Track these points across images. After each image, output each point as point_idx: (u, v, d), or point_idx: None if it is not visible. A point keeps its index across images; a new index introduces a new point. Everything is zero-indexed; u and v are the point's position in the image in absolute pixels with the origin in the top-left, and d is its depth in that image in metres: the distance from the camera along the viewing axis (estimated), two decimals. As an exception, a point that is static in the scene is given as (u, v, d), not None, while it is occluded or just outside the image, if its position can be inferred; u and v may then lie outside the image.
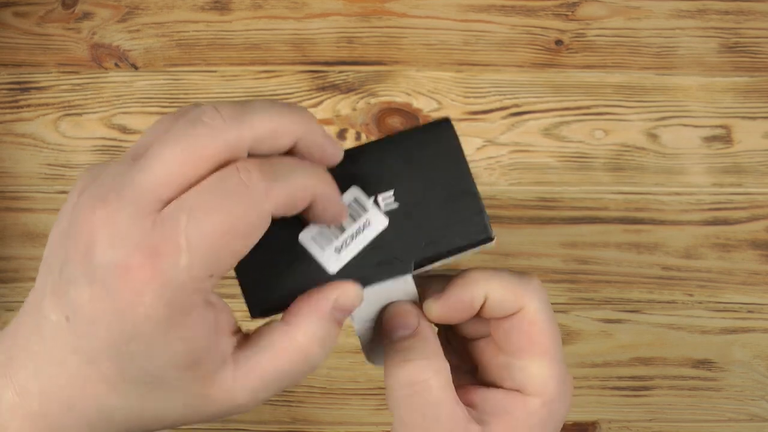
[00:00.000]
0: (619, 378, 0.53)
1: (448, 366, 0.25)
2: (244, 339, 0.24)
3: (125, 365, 0.21)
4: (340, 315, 0.24)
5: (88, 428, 0.22)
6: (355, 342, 0.56)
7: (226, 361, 0.22)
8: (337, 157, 0.24)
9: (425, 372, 0.24)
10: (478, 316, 0.25)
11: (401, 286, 0.26)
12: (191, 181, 0.20)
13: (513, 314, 0.25)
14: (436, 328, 0.26)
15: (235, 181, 0.20)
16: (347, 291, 0.24)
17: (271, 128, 0.21)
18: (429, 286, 0.26)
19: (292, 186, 0.21)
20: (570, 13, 0.56)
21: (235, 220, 0.20)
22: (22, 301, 0.23)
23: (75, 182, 0.22)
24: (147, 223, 0.20)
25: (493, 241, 0.26)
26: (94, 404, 0.22)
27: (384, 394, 0.53)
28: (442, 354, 0.25)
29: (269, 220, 0.21)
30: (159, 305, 0.20)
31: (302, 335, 0.23)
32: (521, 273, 0.26)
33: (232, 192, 0.20)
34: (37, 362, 0.22)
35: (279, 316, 0.25)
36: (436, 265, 0.26)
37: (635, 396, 0.53)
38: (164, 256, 0.20)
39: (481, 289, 0.25)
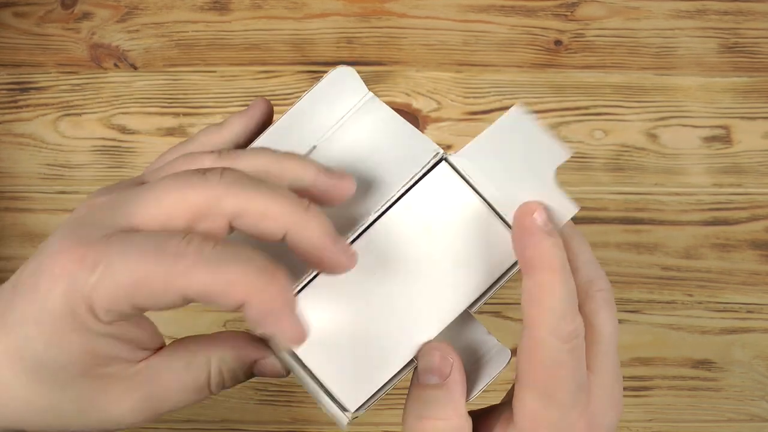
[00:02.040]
0: (619, 378, 0.53)
1: (468, 425, 0.24)
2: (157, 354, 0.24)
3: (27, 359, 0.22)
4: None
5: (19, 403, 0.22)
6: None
7: (121, 374, 0.23)
8: (340, 264, 0.22)
9: (445, 426, 0.23)
10: None
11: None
12: (163, 224, 0.21)
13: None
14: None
15: (172, 245, 0.20)
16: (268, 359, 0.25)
17: (257, 206, 0.20)
18: None
19: (218, 278, 0.19)
20: (569, 14, 0.56)
21: (146, 278, 0.19)
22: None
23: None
24: (99, 236, 0.20)
25: None
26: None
27: (384, 396, 0.53)
28: (465, 411, 0.24)
29: (181, 300, 0.20)
30: (64, 307, 0.20)
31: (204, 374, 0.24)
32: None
33: (162, 252, 0.19)
34: None
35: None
36: (481, 302, 0.25)
37: (635, 396, 0.53)
38: (84, 264, 0.20)
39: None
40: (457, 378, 0.24)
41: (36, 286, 0.21)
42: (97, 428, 0.23)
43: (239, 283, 0.19)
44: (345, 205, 0.24)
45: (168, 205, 0.20)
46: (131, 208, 0.21)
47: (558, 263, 0.23)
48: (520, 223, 0.24)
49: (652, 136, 0.55)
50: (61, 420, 0.23)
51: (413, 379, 0.24)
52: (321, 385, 0.25)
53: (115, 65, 0.55)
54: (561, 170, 0.55)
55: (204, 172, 0.21)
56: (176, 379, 0.24)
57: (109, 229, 0.20)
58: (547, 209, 0.24)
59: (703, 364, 0.54)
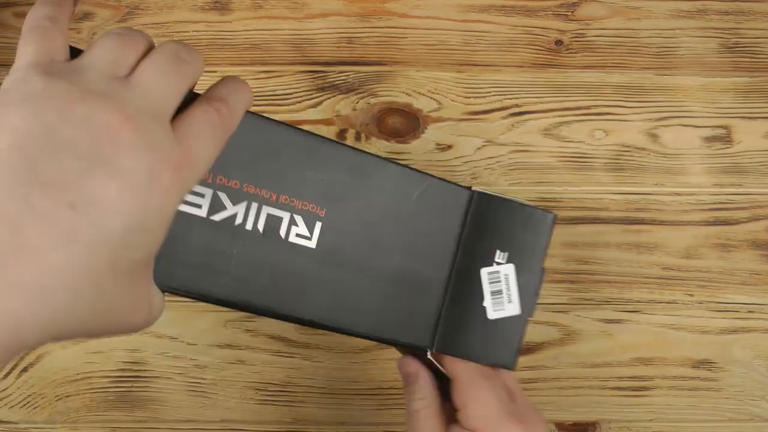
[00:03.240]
0: (620, 378, 0.53)
1: (436, 403, 0.36)
2: None
3: (122, 255, 0.24)
4: None
5: (52, 316, 0.23)
6: (355, 342, 0.56)
7: None
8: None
9: (419, 404, 0.36)
10: None
11: None
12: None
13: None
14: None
15: (213, 117, 0.27)
16: None
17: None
18: None
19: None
20: (570, 14, 0.56)
21: (216, 151, 0.27)
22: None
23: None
24: (171, 138, 0.25)
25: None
26: (69, 296, 0.23)
27: (384, 395, 0.53)
28: (434, 394, 0.36)
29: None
30: (173, 205, 0.25)
31: None
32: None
33: (215, 126, 0.26)
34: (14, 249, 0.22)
35: None
36: None
37: (635, 396, 0.53)
38: (185, 170, 0.25)
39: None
40: (423, 375, 0.37)
41: (142, 200, 0.24)
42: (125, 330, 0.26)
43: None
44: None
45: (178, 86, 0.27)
46: (161, 97, 0.26)
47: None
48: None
49: (653, 136, 0.55)
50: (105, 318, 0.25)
51: (404, 387, 0.37)
52: None
53: (116, 65, 0.55)
54: (562, 170, 0.55)
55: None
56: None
57: (167, 122, 0.26)
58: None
59: (704, 364, 0.54)
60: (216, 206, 0.29)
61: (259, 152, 0.30)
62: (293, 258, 0.30)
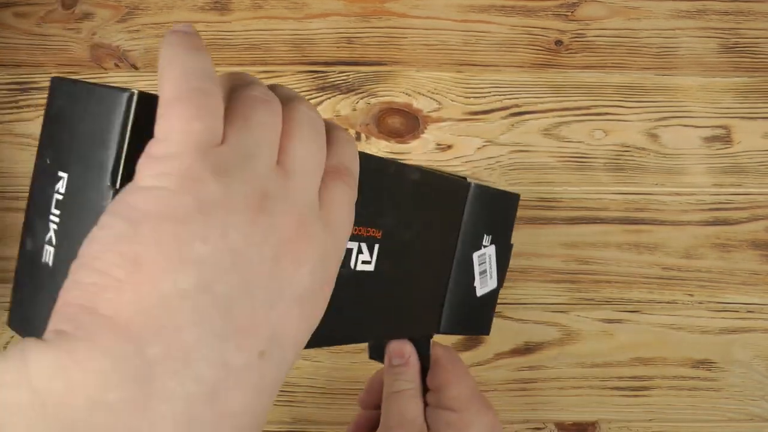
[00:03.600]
0: (619, 378, 0.53)
1: (421, 386, 0.36)
2: None
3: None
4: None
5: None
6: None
7: None
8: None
9: (407, 385, 0.36)
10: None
11: None
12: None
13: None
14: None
15: (346, 194, 0.24)
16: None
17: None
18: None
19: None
20: (570, 14, 0.56)
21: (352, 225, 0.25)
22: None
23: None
24: (326, 232, 0.22)
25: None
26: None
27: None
28: (419, 378, 0.37)
29: None
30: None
31: None
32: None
33: (351, 201, 0.24)
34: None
35: None
36: None
37: (635, 396, 0.53)
38: (339, 260, 0.23)
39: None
40: (414, 359, 0.37)
41: (312, 320, 0.22)
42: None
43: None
44: None
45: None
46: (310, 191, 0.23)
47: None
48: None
49: (653, 136, 0.55)
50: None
51: (388, 367, 0.37)
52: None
53: (116, 65, 0.55)
54: (562, 170, 0.55)
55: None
56: None
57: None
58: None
59: (703, 364, 0.54)
60: None
61: None
62: (359, 285, 0.30)
